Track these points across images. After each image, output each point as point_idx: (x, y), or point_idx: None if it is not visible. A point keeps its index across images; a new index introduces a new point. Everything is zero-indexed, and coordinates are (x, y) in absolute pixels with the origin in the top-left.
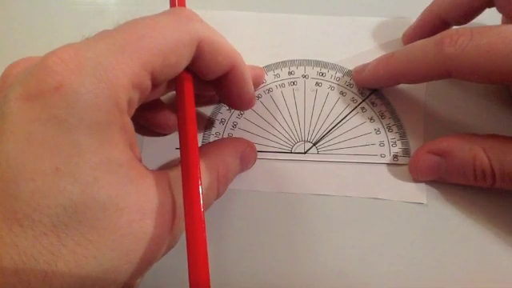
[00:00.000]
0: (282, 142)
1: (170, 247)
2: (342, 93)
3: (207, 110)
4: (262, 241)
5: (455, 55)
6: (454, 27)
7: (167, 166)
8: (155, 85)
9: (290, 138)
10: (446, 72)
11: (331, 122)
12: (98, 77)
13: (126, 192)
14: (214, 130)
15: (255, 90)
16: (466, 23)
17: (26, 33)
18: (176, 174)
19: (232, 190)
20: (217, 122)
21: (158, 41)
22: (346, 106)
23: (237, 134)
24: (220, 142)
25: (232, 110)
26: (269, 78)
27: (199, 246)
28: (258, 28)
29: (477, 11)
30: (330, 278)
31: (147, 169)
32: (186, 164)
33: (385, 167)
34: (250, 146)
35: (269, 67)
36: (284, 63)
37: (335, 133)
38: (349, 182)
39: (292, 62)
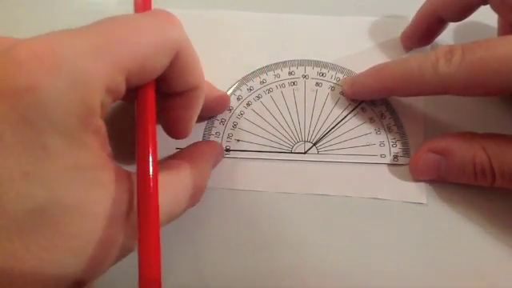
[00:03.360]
0: (281, 142)
1: (129, 252)
2: (342, 93)
3: None
4: (262, 241)
5: (450, 75)
6: (451, 24)
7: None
8: (129, 89)
9: (290, 138)
10: (442, 90)
11: (331, 122)
12: (73, 80)
13: (93, 197)
14: (214, 130)
15: (214, 114)
16: (461, 20)
17: (26, 33)
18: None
19: (232, 190)
20: (217, 122)
21: (138, 46)
22: (346, 106)
23: (237, 133)
24: (194, 149)
25: (232, 110)
26: (269, 78)
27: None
28: (258, 28)
29: (471, 8)
30: (330, 278)
31: (122, 170)
32: (143, 172)
33: (385, 167)
34: (221, 151)
35: (269, 67)
36: (284, 63)
37: (335, 133)
38: (349, 182)
39: (292, 62)
